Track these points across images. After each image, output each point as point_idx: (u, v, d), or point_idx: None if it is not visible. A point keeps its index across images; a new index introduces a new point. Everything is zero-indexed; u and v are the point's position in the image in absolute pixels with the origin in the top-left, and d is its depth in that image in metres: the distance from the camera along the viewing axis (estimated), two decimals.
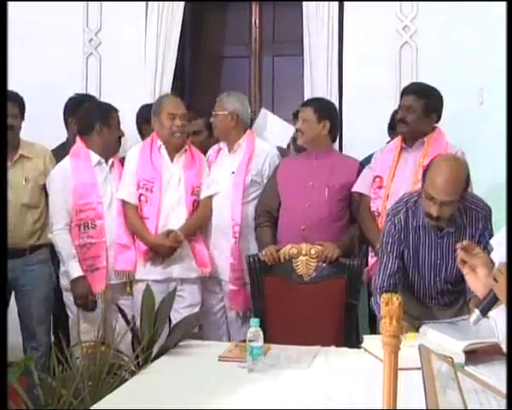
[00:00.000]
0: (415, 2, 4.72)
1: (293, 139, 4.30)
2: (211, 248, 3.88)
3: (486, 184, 3.52)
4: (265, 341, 2.57)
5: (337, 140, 4.68)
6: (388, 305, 1.68)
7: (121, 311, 3.00)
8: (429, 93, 3.57)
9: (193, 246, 3.80)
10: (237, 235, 3.81)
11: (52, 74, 5.03)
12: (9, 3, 5.02)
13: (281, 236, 3.80)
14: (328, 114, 3.84)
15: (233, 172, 3.88)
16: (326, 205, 3.71)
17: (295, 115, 4.17)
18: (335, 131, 3.94)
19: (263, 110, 4.61)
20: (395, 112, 4.29)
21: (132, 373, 2.53)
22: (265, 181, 3.89)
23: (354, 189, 3.70)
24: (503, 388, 1.79)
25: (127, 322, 2.88)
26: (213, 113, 4.01)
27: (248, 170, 3.88)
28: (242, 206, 3.84)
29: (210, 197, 3.87)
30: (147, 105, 4.36)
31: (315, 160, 3.81)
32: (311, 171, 3.78)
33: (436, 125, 3.60)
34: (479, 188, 3.36)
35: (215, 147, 4.07)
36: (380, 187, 3.55)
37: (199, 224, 3.83)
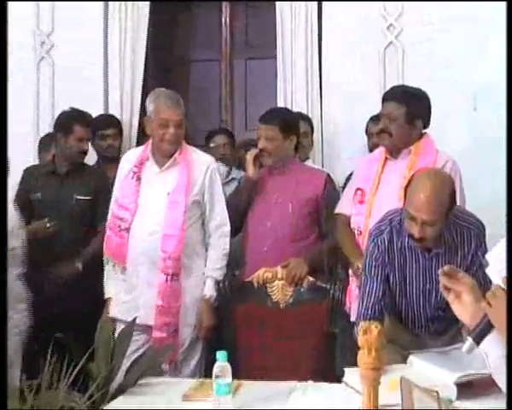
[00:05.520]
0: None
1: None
2: (139, 288, 3.65)
3: (479, 199, 3.53)
4: (236, 376, 2.56)
5: (320, 147, 4.81)
6: (366, 334, 1.68)
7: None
8: (411, 97, 3.51)
9: None
10: (169, 270, 3.57)
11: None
12: None
13: (246, 258, 3.85)
14: (294, 127, 3.93)
15: (168, 193, 3.64)
16: (290, 222, 3.77)
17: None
18: (299, 142, 4.00)
19: None
20: (370, 119, 4.42)
21: None
22: (206, 199, 3.71)
23: (336, 210, 3.73)
24: None
25: None
26: (172, 120, 3.65)
27: (189, 188, 3.66)
28: (183, 232, 3.60)
29: None
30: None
31: (277, 175, 3.88)
32: (273, 187, 3.84)
33: (425, 131, 3.57)
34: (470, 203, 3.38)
35: (132, 160, 3.78)
36: (361, 202, 3.53)
37: None
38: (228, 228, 3.74)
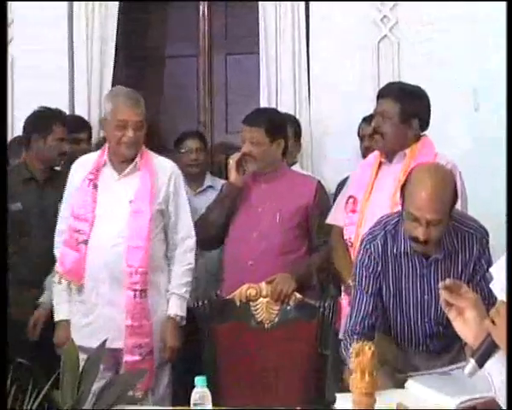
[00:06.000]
0: None
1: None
2: (100, 307, 3.57)
3: (479, 199, 3.55)
4: (218, 402, 2.54)
5: (309, 151, 4.83)
6: (359, 356, 1.63)
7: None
8: (408, 95, 3.50)
9: None
10: (137, 286, 3.50)
11: None
12: None
13: (225, 273, 3.83)
14: (281, 129, 3.90)
15: (131, 201, 3.58)
16: (278, 233, 3.74)
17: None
18: (287, 146, 3.97)
19: None
20: (363, 120, 4.43)
21: None
22: (170, 209, 3.68)
23: (328, 220, 3.71)
24: None
25: None
26: (131, 120, 3.58)
27: (153, 196, 3.60)
28: (150, 243, 3.54)
29: None
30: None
31: (264, 183, 3.86)
32: (259, 196, 3.82)
33: (424, 133, 3.54)
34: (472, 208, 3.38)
35: (87, 166, 3.71)
36: (353, 211, 3.50)
37: None
38: (193, 241, 3.71)
